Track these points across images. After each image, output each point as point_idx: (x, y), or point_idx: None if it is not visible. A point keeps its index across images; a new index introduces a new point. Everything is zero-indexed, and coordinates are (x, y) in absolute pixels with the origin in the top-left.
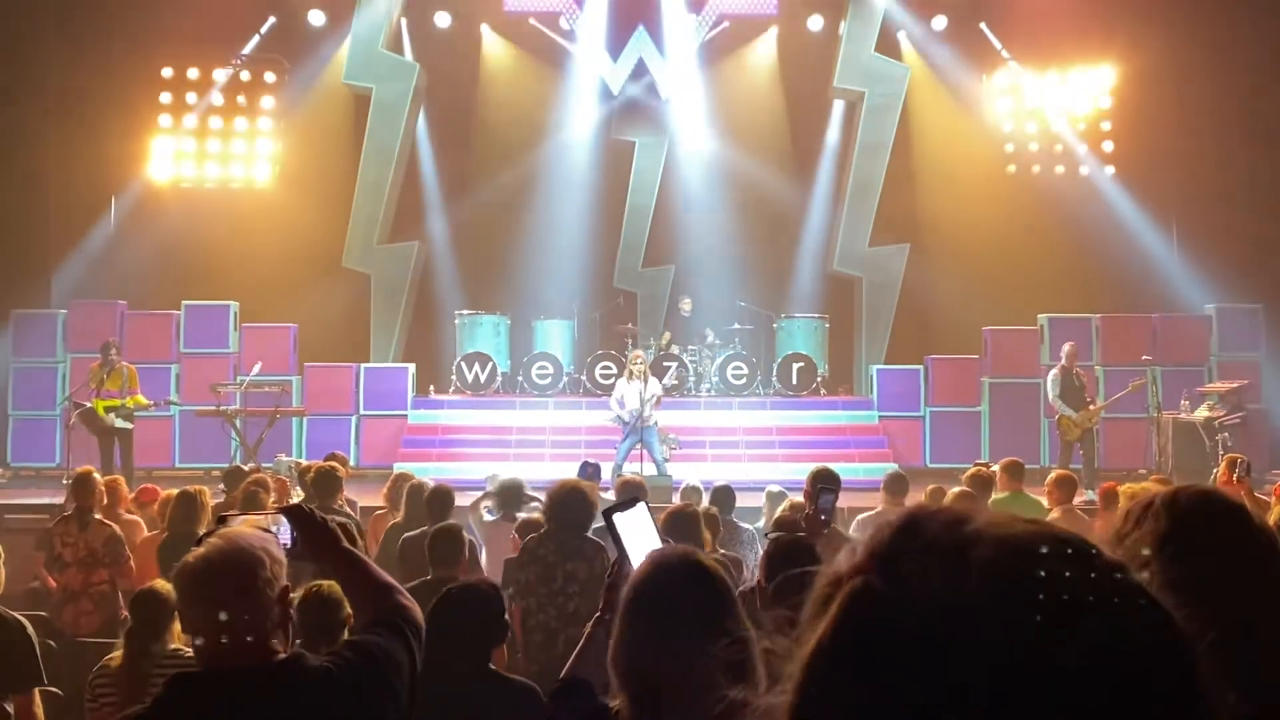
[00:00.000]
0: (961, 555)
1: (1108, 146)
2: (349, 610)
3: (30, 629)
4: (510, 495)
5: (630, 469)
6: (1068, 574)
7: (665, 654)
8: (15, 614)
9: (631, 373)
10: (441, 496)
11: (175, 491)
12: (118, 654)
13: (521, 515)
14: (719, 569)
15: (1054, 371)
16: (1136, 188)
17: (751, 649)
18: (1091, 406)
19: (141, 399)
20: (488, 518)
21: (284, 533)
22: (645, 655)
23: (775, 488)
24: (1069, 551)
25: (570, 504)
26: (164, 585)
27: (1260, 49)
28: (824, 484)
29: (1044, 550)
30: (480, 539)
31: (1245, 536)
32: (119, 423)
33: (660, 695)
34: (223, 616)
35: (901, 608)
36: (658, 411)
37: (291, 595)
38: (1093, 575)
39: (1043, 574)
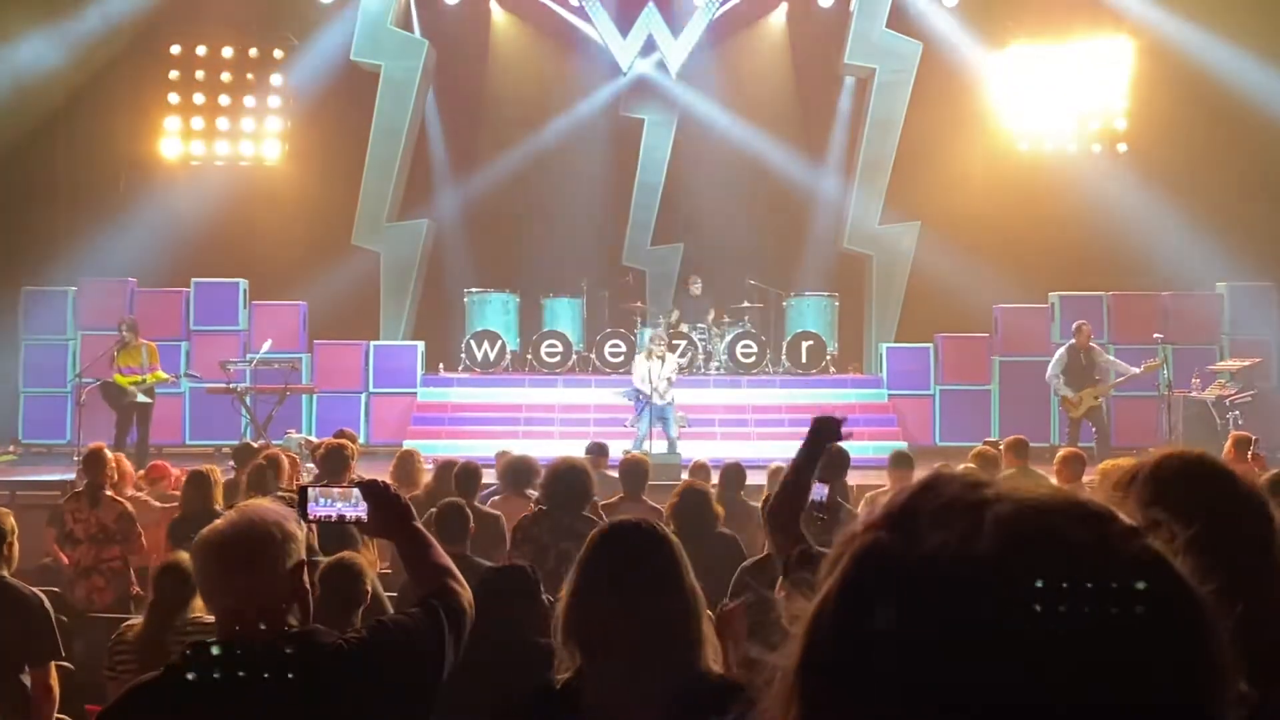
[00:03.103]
0: (977, 513)
1: (1120, 124)
2: (368, 586)
3: (47, 603)
4: (518, 472)
5: (643, 447)
6: (1082, 534)
7: (616, 615)
8: (32, 588)
9: (650, 352)
10: (469, 473)
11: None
12: (135, 622)
13: (532, 492)
14: (670, 535)
15: (1061, 350)
16: (1148, 164)
17: (698, 610)
18: (1100, 385)
19: (162, 374)
20: (495, 497)
21: (359, 507)
22: (597, 617)
23: (777, 464)
24: (1085, 514)
25: (567, 481)
26: (189, 560)
27: (1273, 24)
28: (822, 472)
29: (1060, 511)
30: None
31: (1231, 499)
32: (140, 397)
33: (608, 657)
34: (235, 590)
35: (908, 561)
36: (671, 390)
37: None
38: (1108, 537)
39: (1056, 532)
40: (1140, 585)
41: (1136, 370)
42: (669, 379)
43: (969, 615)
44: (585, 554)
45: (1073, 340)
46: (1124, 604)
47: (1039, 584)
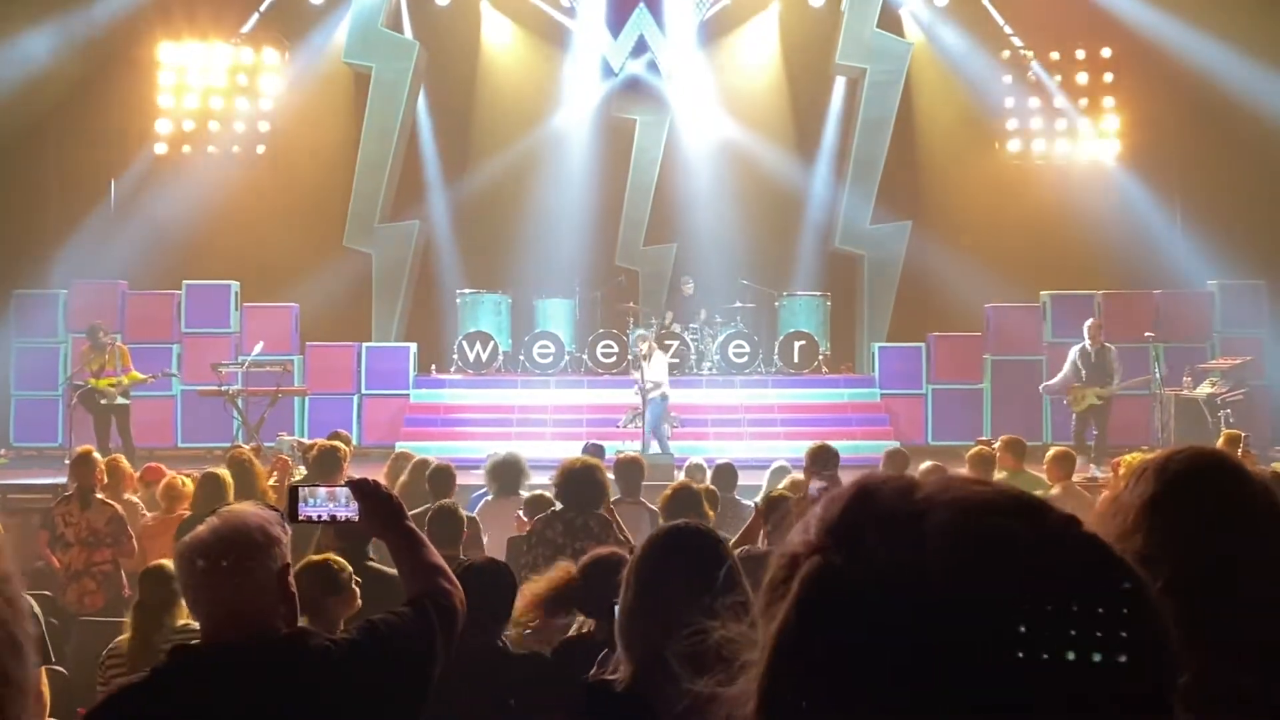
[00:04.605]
0: (916, 522)
1: (1111, 123)
2: (348, 587)
3: (36, 607)
4: (507, 472)
5: (635, 446)
6: (1022, 532)
7: (677, 622)
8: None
9: (640, 352)
10: (442, 475)
11: (189, 473)
12: (125, 636)
13: (524, 493)
14: (726, 541)
15: (1073, 351)
16: (1139, 164)
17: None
18: (1106, 386)
19: (137, 375)
20: (486, 497)
21: (349, 507)
22: (657, 623)
23: (780, 463)
24: (1020, 509)
25: (581, 480)
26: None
27: (1263, 24)
28: (817, 466)
29: (996, 510)
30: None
31: (1239, 494)
32: (118, 399)
33: (667, 663)
34: (220, 596)
35: (862, 583)
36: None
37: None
38: (1047, 531)
39: (996, 533)
40: (1085, 575)
41: (1156, 375)
42: (654, 380)
43: (931, 630)
44: (646, 556)
45: (1085, 341)
46: (1068, 594)
47: (992, 590)
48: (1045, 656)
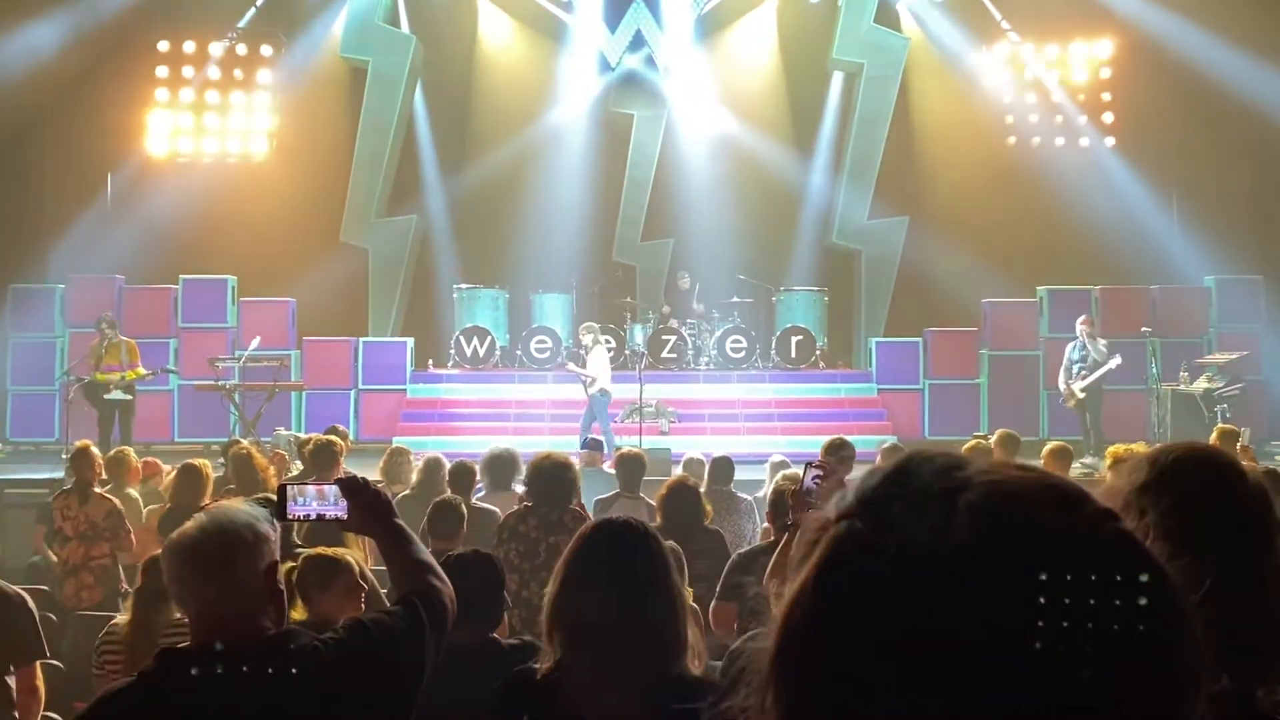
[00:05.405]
0: (950, 499)
1: (1107, 118)
2: (345, 584)
3: (31, 602)
4: (501, 468)
5: (629, 441)
6: (1054, 519)
7: (599, 610)
8: (15, 587)
9: (584, 345)
10: (463, 473)
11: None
12: (124, 619)
13: (518, 488)
14: (657, 535)
15: (1068, 347)
16: (1136, 159)
17: (681, 611)
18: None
19: (141, 370)
20: (479, 493)
21: (338, 505)
22: (581, 611)
23: (778, 457)
24: (1058, 497)
25: (551, 476)
26: None
27: (1260, 19)
28: (826, 456)
29: (1033, 496)
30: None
31: (1227, 488)
32: (119, 395)
33: (589, 650)
34: (208, 594)
35: (884, 550)
36: (661, 385)
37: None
38: (1080, 521)
39: (1028, 518)
40: (1111, 571)
41: (1111, 365)
42: (592, 375)
43: (944, 605)
44: (573, 549)
45: (1077, 338)
46: (1096, 590)
47: (1012, 573)
48: (1057, 650)
